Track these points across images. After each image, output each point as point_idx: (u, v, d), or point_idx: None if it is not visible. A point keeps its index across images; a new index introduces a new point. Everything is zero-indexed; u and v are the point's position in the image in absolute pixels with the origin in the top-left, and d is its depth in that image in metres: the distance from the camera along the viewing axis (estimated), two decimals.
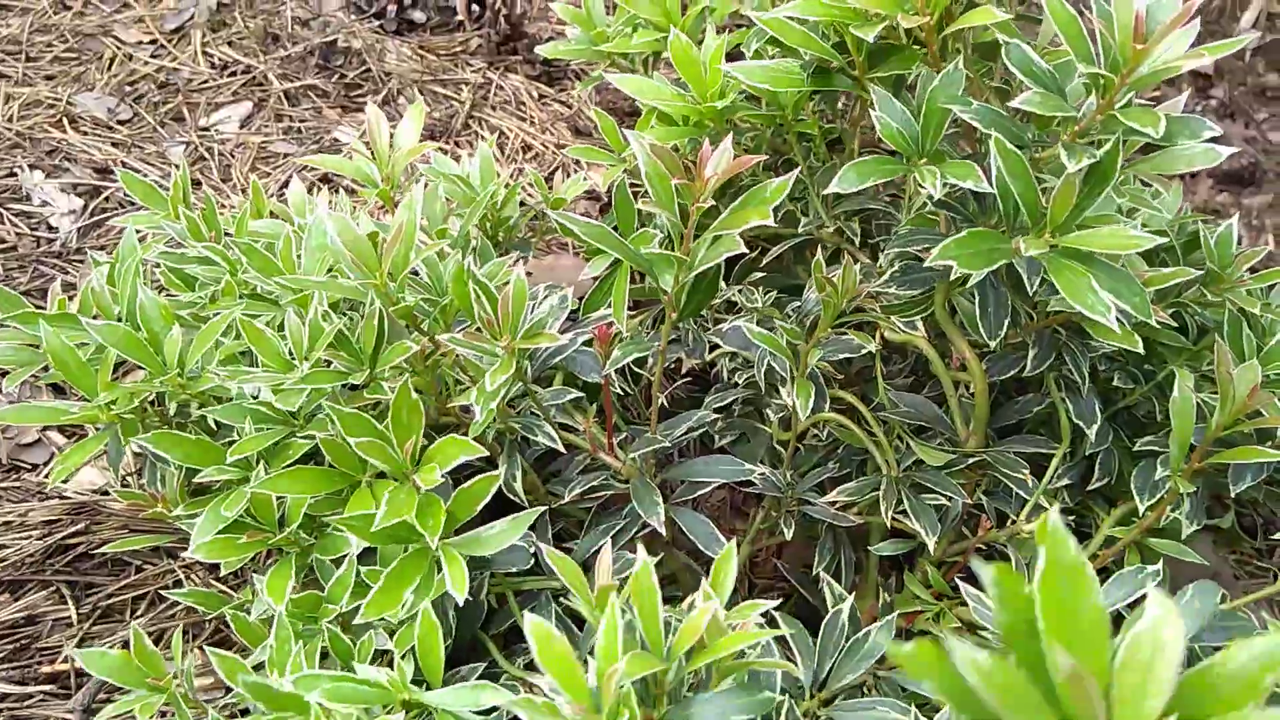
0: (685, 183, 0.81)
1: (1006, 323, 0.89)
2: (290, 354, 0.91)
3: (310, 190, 1.56)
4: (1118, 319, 0.75)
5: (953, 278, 0.83)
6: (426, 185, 1.22)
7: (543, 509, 0.87)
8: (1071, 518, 1.09)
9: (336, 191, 1.50)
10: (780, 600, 0.89)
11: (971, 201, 0.88)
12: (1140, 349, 0.89)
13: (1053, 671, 0.40)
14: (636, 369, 1.23)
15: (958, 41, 0.90)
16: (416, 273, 1.01)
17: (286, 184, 1.58)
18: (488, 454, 0.82)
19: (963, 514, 1.05)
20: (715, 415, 1.08)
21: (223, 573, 0.96)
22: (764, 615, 0.93)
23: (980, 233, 0.74)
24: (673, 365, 1.32)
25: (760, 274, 1.18)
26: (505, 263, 1.00)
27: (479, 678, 0.91)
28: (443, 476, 0.82)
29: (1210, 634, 0.83)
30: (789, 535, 1.05)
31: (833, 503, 1.04)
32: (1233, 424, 0.92)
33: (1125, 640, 0.39)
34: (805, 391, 0.96)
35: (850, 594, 1.07)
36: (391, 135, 1.15)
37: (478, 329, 0.82)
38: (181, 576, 1.15)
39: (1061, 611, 0.41)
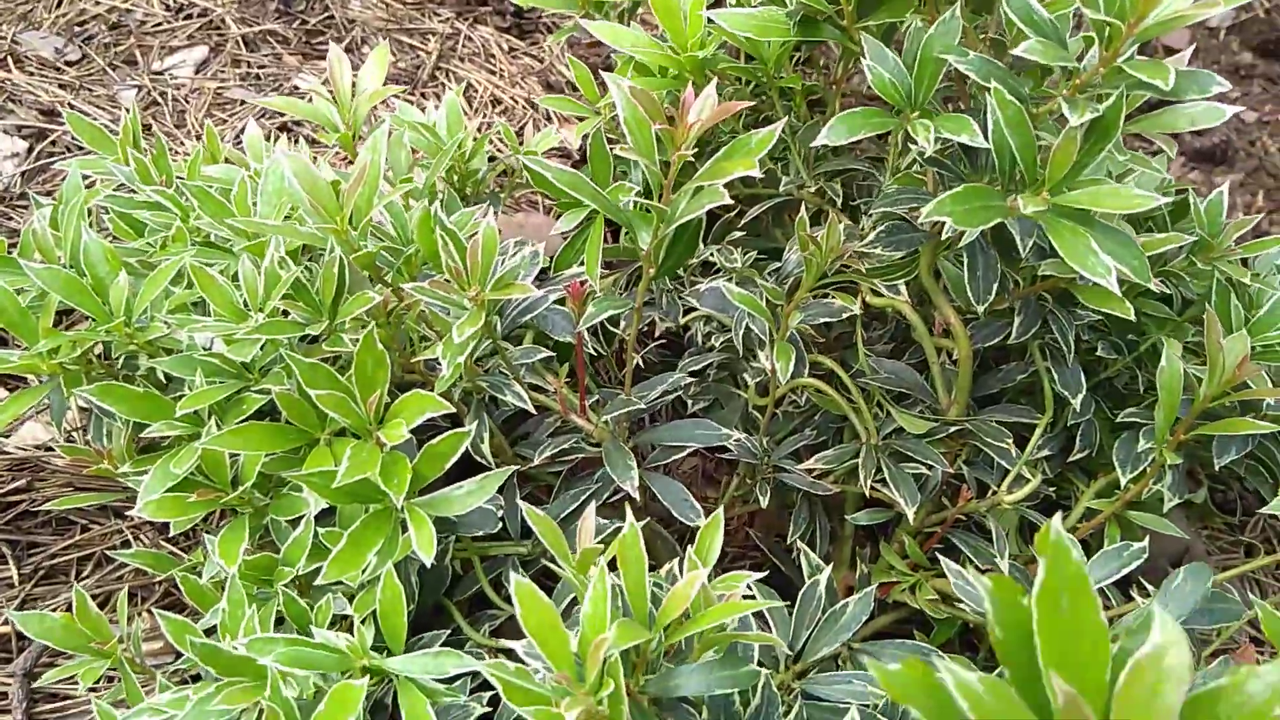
0: (667, 129, 0.77)
1: (995, 287, 0.86)
2: (245, 303, 0.86)
3: (268, 139, 1.50)
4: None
5: (944, 236, 0.80)
6: (391, 132, 1.17)
7: (511, 469, 0.83)
8: (1051, 489, 1.07)
9: (296, 141, 1.44)
10: (755, 571, 0.86)
11: (963, 159, 0.85)
12: (1132, 315, 0.87)
13: (1050, 695, 0.37)
14: (610, 329, 1.19)
15: None
16: (379, 223, 0.96)
17: (243, 131, 1.51)
18: (454, 411, 0.77)
19: (941, 484, 1.03)
20: (690, 378, 1.05)
21: (172, 533, 0.91)
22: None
23: (976, 188, 0.71)
24: (645, 328, 1.28)
25: (739, 234, 1.14)
26: (473, 212, 0.96)
27: (443, 644, 0.88)
28: (407, 434, 0.78)
29: (1197, 617, 0.82)
30: (764, 503, 1.02)
31: (809, 470, 1.01)
32: (1220, 395, 0.90)
33: (1129, 666, 0.36)
34: (786, 355, 0.92)
35: (827, 564, 1.04)
36: (354, 79, 1.10)
37: (445, 279, 0.78)
38: (129, 537, 1.10)
39: (1060, 629, 0.38)
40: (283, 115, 1.53)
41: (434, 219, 0.80)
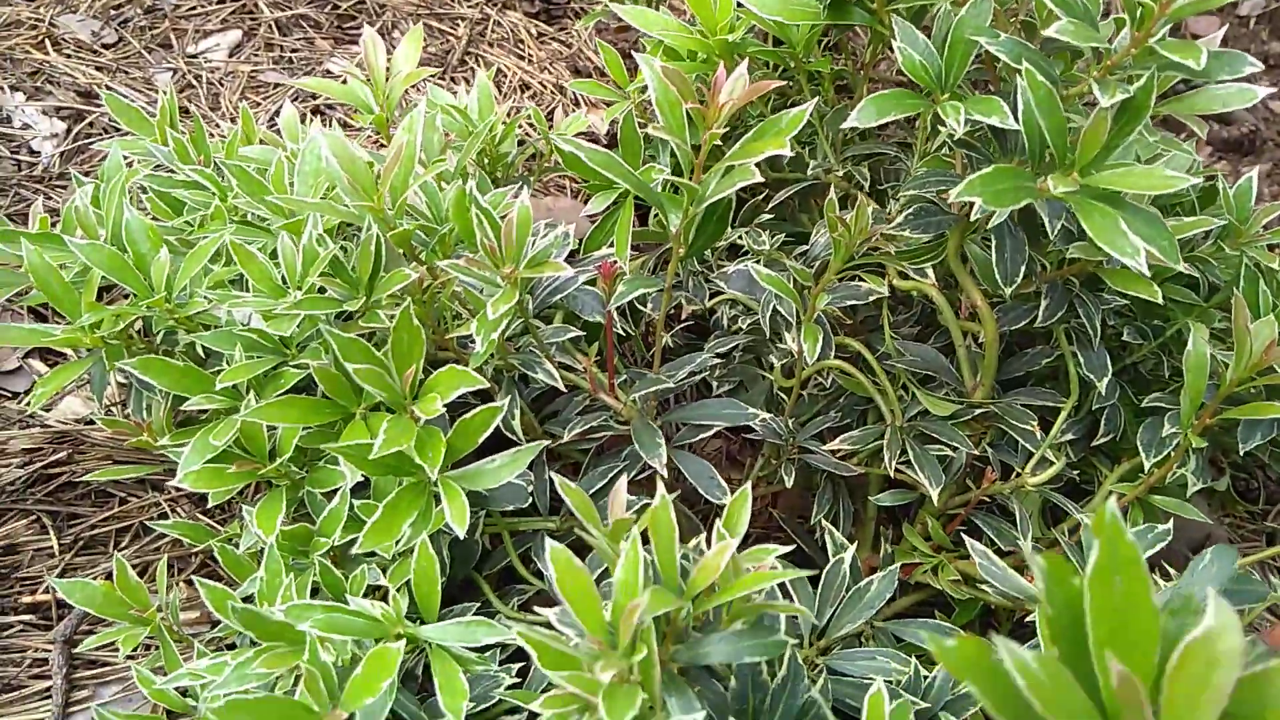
0: (698, 108, 0.78)
1: (1023, 270, 0.87)
2: (283, 280, 0.87)
3: (302, 122, 1.52)
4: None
5: (974, 217, 0.81)
6: (425, 115, 1.18)
7: (542, 443, 0.85)
8: (1075, 473, 1.08)
9: (329, 124, 1.46)
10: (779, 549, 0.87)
11: (992, 141, 0.85)
12: (1159, 298, 0.87)
13: (1101, 675, 0.38)
14: (638, 309, 1.20)
15: None
16: (413, 203, 0.98)
17: (277, 114, 1.53)
18: (487, 386, 0.79)
19: (966, 466, 1.04)
20: (717, 359, 1.06)
21: (210, 504, 0.94)
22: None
23: (1006, 169, 0.72)
24: (672, 311, 1.29)
25: (767, 218, 1.15)
26: (506, 193, 0.97)
27: (473, 616, 0.89)
28: (441, 408, 0.79)
29: (1227, 596, 0.82)
30: (789, 483, 1.03)
31: (834, 451, 1.02)
32: (1247, 380, 0.91)
33: (1181, 648, 0.37)
34: (813, 336, 0.93)
35: (849, 544, 1.05)
36: (389, 61, 1.11)
37: (480, 257, 0.79)
38: (167, 509, 1.12)
39: (1113, 610, 0.39)
40: (316, 98, 1.55)
41: (469, 198, 0.81)
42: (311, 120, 1.45)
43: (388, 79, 1.11)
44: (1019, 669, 0.36)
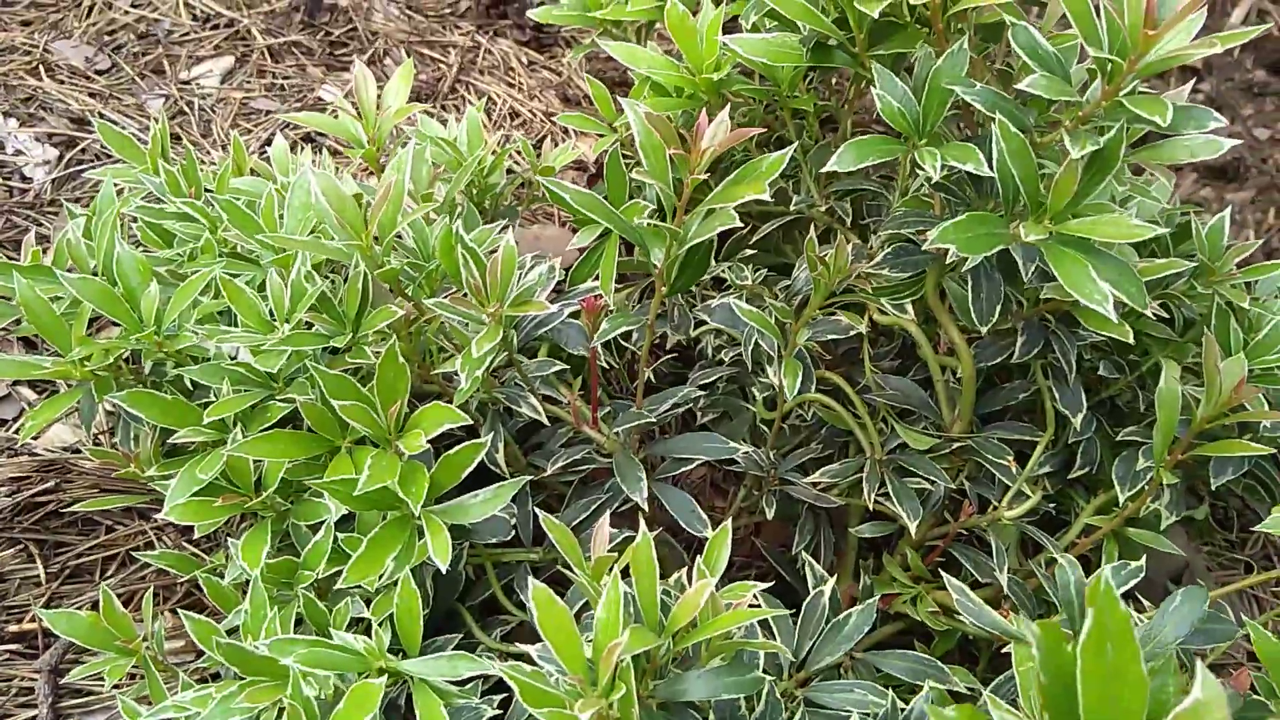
0: (681, 153, 0.80)
1: (999, 309, 0.89)
2: (271, 315, 0.89)
3: (292, 149, 1.53)
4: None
5: (948, 261, 0.83)
6: (415, 148, 1.20)
7: (526, 478, 0.86)
8: (1052, 505, 1.09)
9: (319, 152, 1.47)
10: (760, 580, 0.88)
11: (969, 185, 0.87)
12: (1130, 339, 0.89)
13: None
14: (622, 343, 1.22)
15: (960, 22, 0.89)
16: (401, 237, 0.99)
17: (268, 142, 1.54)
18: (471, 422, 0.80)
19: (944, 499, 1.05)
20: (700, 392, 1.08)
21: (196, 535, 0.95)
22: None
23: (979, 216, 0.74)
24: (658, 342, 1.31)
25: (750, 251, 1.16)
26: (493, 229, 0.99)
27: (455, 648, 0.90)
28: (425, 444, 0.80)
29: (1194, 636, 0.84)
30: (769, 515, 1.05)
31: (815, 483, 1.04)
32: (1217, 417, 0.92)
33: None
34: (793, 371, 0.95)
35: (830, 575, 1.07)
36: (379, 95, 1.13)
37: (464, 295, 0.81)
38: (153, 538, 1.13)
39: (1102, 678, 0.40)
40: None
41: (455, 237, 0.83)
42: (302, 148, 1.47)
43: (377, 113, 1.12)
44: None
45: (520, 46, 1.81)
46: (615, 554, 0.75)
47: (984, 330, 0.90)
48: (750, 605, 0.76)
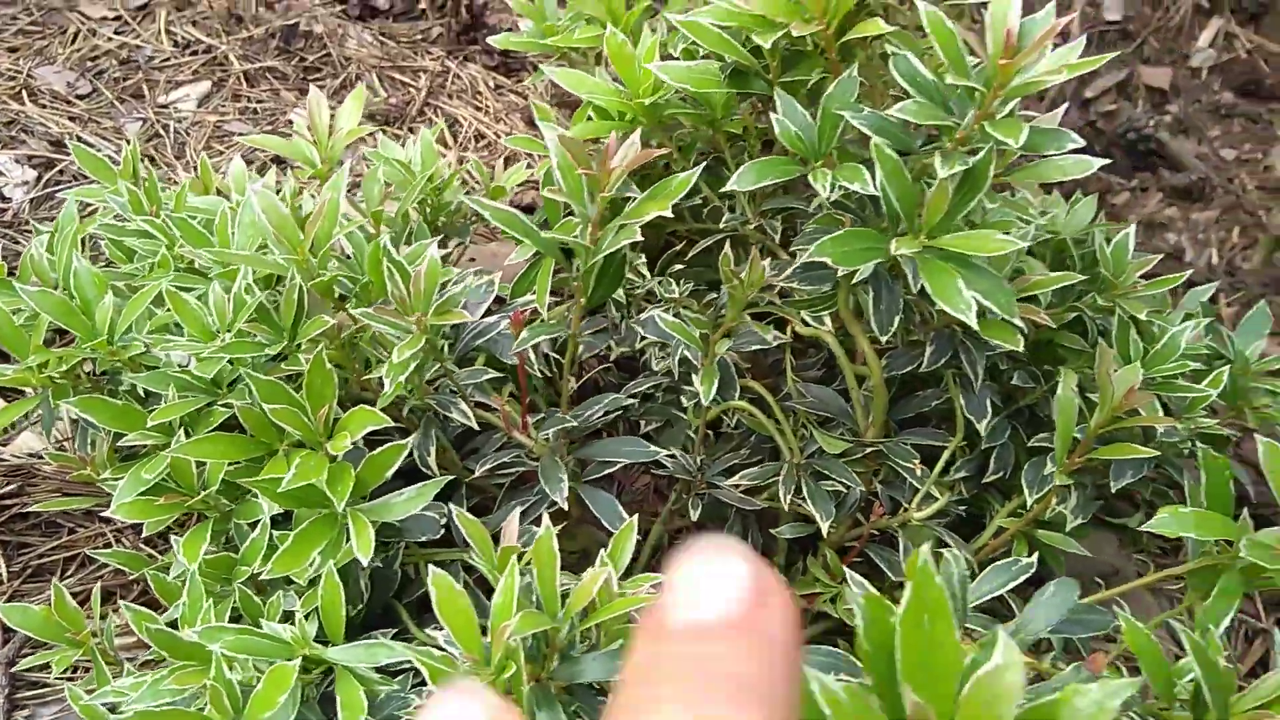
0: (592, 174, 0.86)
1: (898, 319, 0.94)
2: (215, 324, 0.94)
3: (261, 170, 1.59)
4: (1008, 320, 0.81)
5: (840, 274, 0.88)
6: (367, 168, 1.26)
7: (448, 478, 0.92)
8: (963, 508, 1.14)
9: (286, 171, 1.53)
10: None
11: (869, 204, 0.93)
12: (1020, 347, 0.94)
13: (904, 704, 0.44)
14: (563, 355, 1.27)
15: (864, 49, 0.94)
16: (350, 256, 1.05)
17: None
18: (393, 423, 0.86)
19: (861, 501, 1.10)
20: (631, 400, 1.13)
21: (146, 534, 1.00)
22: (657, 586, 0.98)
23: (856, 232, 0.79)
24: (604, 352, 1.36)
25: (682, 266, 1.22)
26: (428, 245, 1.04)
27: (390, 640, 0.95)
28: (353, 445, 0.86)
29: (1070, 625, 0.89)
30: (694, 516, 1.10)
31: (738, 486, 1.09)
32: (1111, 422, 0.97)
33: (970, 681, 0.43)
34: (709, 379, 1.00)
35: None
36: (332, 118, 1.19)
37: (391, 306, 0.87)
38: (112, 539, 1.19)
39: (919, 646, 0.45)
40: None
41: (383, 252, 0.89)
42: (270, 167, 1.53)
43: (330, 135, 1.18)
44: (824, 696, 0.41)
45: (489, 71, 1.88)
46: (519, 546, 0.81)
47: (883, 339, 0.95)
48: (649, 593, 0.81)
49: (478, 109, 1.80)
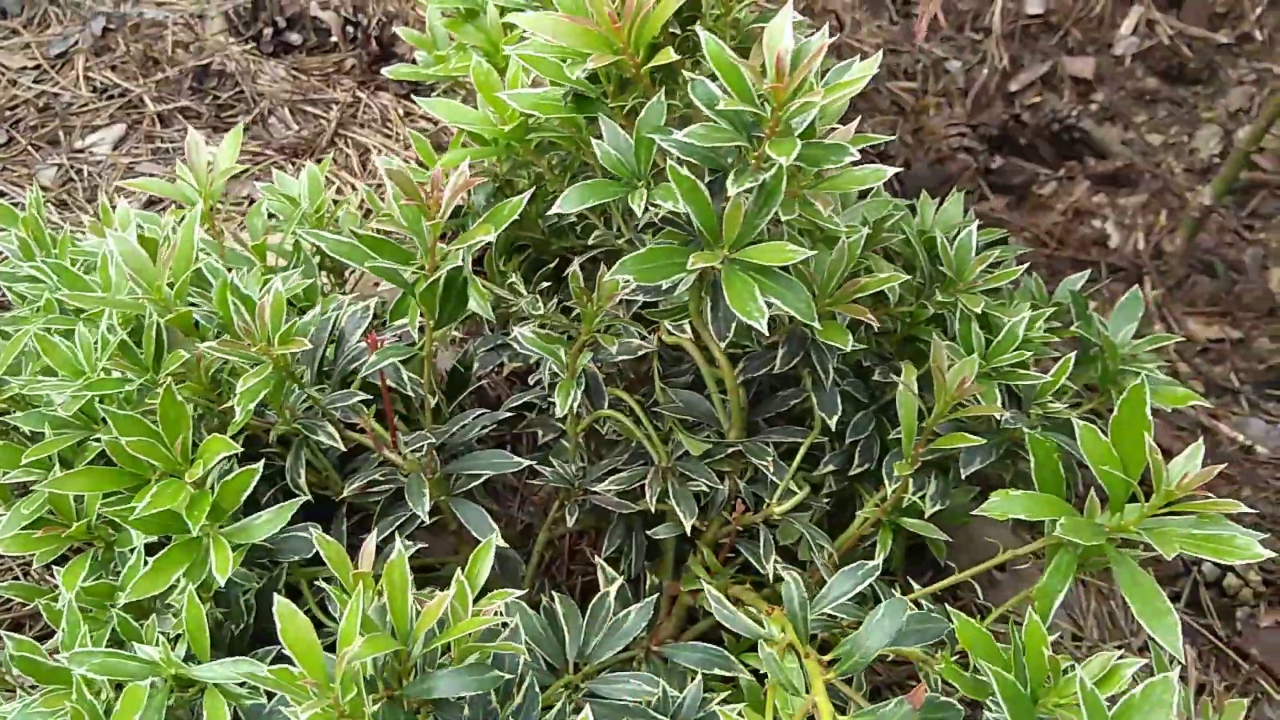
0: (421, 204, 0.90)
1: (734, 325, 0.99)
2: (84, 364, 0.99)
3: (165, 210, 1.64)
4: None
5: (688, 286, 0.92)
6: (252, 202, 1.31)
7: (302, 499, 0.96)
8: (827, 500, 1.19)
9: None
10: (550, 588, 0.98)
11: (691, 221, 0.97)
12: (848, 348, 0.99)
13: None
14: (460, 369, 1.32)
15: (674, 76, 0.99)
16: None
17: (147, 204, 1.66)
18: (239, 450, 0.90)
19: (730, 499, 1.15)
20: (509, 413, 1.18)
21: (36, 566, 1.05)
22: (535, 602, 1.03)
23: (658, 249, 0.84)
24: (497, 369, 1.42)
25: (546, 284, 1.26)
26: (291, 276, 1.09)
27: (273, 660, 1.00)
28: (203, 471, 0.91)
29: (911, 638, 0.93)
30: (570, 522, 1.14)
31: (610, 491, 1.13)
32: (947, 413, 1.02)
33: None
34: (566, 391, 1.05)
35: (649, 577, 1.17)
36: (211, 158, 1.24)
37: (238, 338, 0.91)
38: (19, 573, 1.23)
39: None
40: None
41: (230, 287, 0.93)
42: (173, 204, 1.58)
43: (210, 174, 1.23)
44: None
45: (399, 100, 1.93)
46: (370, 571, 0.86)
47: (722, 344, 1.00)
48: (498, 612, 0.86)
49: (388, 137, 1.85)
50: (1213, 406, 1.91)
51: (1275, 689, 1.39)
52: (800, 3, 2.63)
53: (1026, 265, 1.23)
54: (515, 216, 0.94)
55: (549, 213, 0.93)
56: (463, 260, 0.92)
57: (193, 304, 1.00)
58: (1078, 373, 1.21)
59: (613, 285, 1.04)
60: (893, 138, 1.50)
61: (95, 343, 0.98)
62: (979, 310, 1.08)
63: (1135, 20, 3.06)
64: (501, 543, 1.06)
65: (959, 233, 1.16)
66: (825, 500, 1.18)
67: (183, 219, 1.05)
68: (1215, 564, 1.47)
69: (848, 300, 1.02)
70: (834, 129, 0.88)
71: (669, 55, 0.85)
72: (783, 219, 0.83)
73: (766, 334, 0.82)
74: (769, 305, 0.83)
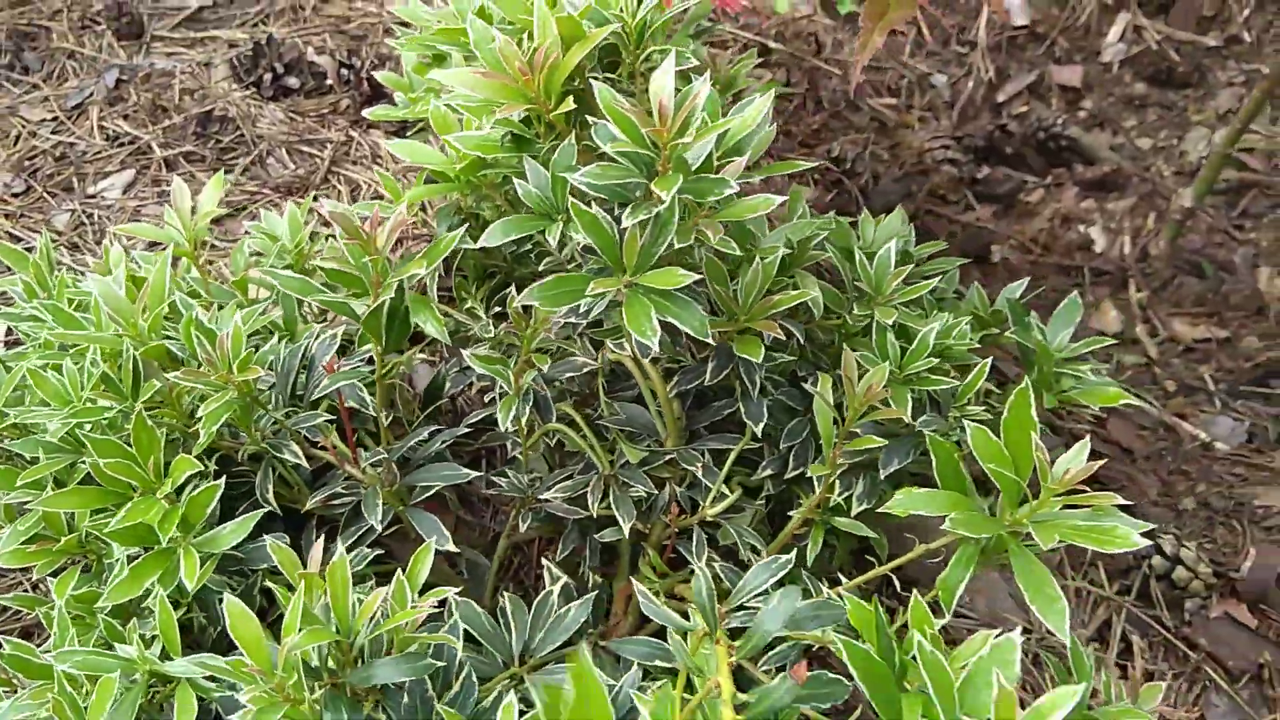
0: (360, 241, 1.01)
1: (656, 340, 1.07)
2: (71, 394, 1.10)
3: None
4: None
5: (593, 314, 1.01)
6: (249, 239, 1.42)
7: (263, 511, 1.06)
8: (766, 502, 1.26)
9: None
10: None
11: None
12: (759, 358, 1.08)
13: None
14: (434, 393, 1.42)
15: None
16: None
17: (151, 246, 1.78)
18: (203, 469, 1.01)
19: (671, 503, 1.23)
20: (468, 429, 1.28)
21: (36, 577, 1.16)
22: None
23: (563, 277, 0.93)
24: (466, 387, 1.51)
25: (498, 309, 1.36)
26: (260, 309, 1.20)
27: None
28: (172, 489, 1.01)
29: (810, 622, 1.01)
30: (523, 529, 1.24)
31: (558, 499, 1.22)
32: (859, 417, 1.10)
33: None
34: (506, 407, 1.14)
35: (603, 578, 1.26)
36: (194, 202, 1.35)
37: (200, 368, 1.02)
38: (27, 585, 1.35)
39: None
40: None
41: (194, 322, 1.04)
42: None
43: (193, 218, 1.35)
44: None
45: (389, 137, 2.04)
46: (317, 573, 0.95)
47: (647, 359, 1.08)
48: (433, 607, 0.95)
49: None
50: (1181, 405, 1.96)
51: (1223, 677, 1.44)
52: (781, 25, 2.72)
53: (945, 273, 1.30)
54: (453, 248, 1.04)
55: (478, 245, 1.02)
56: (396, 292, 1.02)
57: (168, 337, 1.11)
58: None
59: (545, 310, 1.14)
60: (815, 163, 1.55)
61: (81, 375, 1.09)
62: (891, 322, 1.16)
63: (1123, 27, 3.10)
64: (454, 548, 1.16)
65: (886, 247, 1.24)
66: (765, 502, 1.26)
67: (168, 253, 1.16)
68: (1163, 557, 1.53)
69: (763, 316, 1.10)
70: (730, 163, 0.96)
71: (569, 104, 0.95)
72: (677, 245, 0.91)
73: (657, 351, 0.90)
74: (669, 323, 0.92)
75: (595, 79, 1.07)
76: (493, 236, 1.01)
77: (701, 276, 0.94)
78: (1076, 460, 1.01)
